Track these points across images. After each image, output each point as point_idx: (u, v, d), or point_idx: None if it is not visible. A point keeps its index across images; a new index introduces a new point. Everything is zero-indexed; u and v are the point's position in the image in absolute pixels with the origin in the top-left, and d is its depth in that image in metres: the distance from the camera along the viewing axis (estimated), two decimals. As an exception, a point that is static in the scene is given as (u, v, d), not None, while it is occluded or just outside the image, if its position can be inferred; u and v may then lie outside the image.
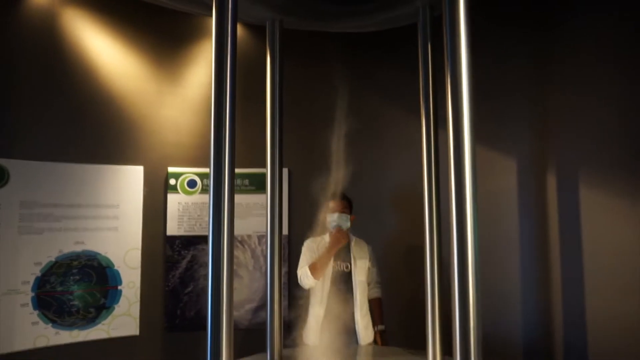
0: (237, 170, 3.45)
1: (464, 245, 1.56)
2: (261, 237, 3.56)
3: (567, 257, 2.52)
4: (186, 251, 3.47)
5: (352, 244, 2.86)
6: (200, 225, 3.50)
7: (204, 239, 3.47)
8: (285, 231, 3.53)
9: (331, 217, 2.77)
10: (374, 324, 2.81)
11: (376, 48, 3.57)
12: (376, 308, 2.85)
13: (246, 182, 3.62)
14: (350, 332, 2.73)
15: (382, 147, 3.61)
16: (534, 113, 2.78)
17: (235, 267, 3.55)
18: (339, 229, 2.76)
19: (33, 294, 3.04)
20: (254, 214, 3.58)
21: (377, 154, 3.62)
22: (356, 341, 2.74)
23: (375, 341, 2.81)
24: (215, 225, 1.74)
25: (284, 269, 3.49)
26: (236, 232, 3.54)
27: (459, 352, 1.54)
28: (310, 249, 2.84)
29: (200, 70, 3.61)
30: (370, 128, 3.56)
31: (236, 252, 3.57)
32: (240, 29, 3.61)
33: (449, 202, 1.60)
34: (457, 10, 1.60)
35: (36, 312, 3.04)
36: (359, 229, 2.98)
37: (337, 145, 2.88)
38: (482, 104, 2.99)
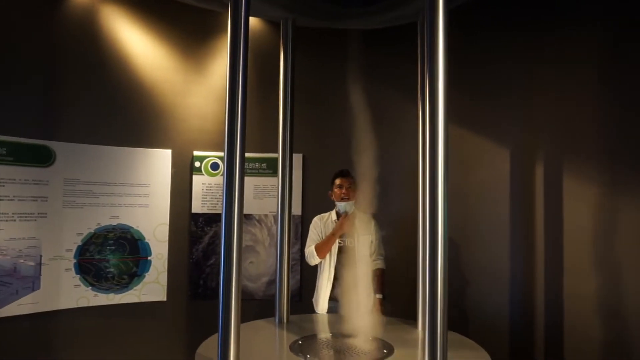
0: (255, 155, 3.82)
1: (435, 224, 1.80)
2: (277, 217, 3.85)
3: (550, 240, 2.73)
4: (209, 227, 3.82)
5: (357, 220, 3.11)
6: (221, 204, 3.83)
7: (225, 217, 3.80)
8: (298, 212, 3.84)
9: (339, 205, 3.04)
10: (375, 291, 3.06)
11: (384, 42, 3.76)
12: (378, 278, 3.09)
13: (264, 166, 3.92)
14: (353, 301, 3.00)
15: (389, 133, 3.82)
16: (523, 108, 2.97)
17: (252, 244, 3.89)
18: (345, 215, 3.02)
19: (75, 261, 3.46)
20: (270, 195, 3.89)
21: (384, 138, 3.81)
22: (360, 308, 3.00)
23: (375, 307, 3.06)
24: (228, 200, 2.04)
25: (297, 246, 3.79)
26: (253, 211, 3.88)
27: (427, 319, 1.79)
28: (317, 228, 3.13)
29: (224, 61, 3.89)
30: (379, 116, 3.76)
31: (254, 230, 3.89)
32: (260, 24, 3.88)
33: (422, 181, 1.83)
34: (436, 16, 1.82)
35: (78, 276, 3.46)
36: (365, 205, 3.20)
37: (348, 132, 3.14)
38: (477, 99, 3.21)
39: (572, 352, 2.62)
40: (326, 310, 3.06)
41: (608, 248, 2.43)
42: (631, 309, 2.33)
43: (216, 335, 2.02)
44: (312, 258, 3.06)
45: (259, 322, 2.80)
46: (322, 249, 3.03)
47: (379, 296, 3.02)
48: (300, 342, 2.37)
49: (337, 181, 3.09)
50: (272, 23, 3.86)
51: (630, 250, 2.34)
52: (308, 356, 2.16)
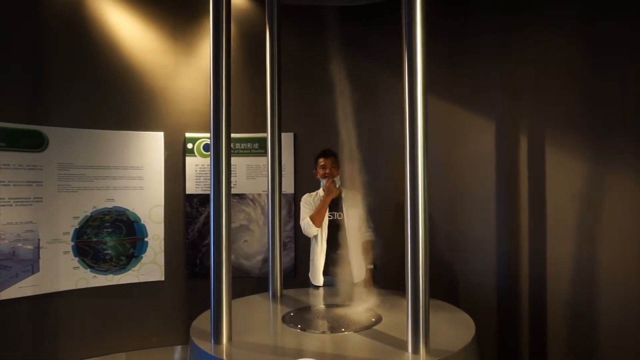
0: (247, 135, 3.86)
1: (415, 195, 1.86)
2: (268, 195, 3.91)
3: (533, 210, 2.80)
4: (203, 208, 3.89)
5: (344, 194, 3.19)
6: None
7: (219, 197, 3.86)
8: (291, 190, 3.90)
9: (322, 183, 3.12)
10: (366, 261, 3.14)
11: (370, 19, 3.77)
12: (368, 249, 3.18)
13: (256, 145, 3.96)
14: (346, 272, 3.09)
15: (376, 109, 3.85)
16: (505, 83, 3.01)
17: (246, 223, 3.95)
18: (330, 180, 3.10)
19: (73, 243, 3.53)
20: (263, 174, 3.94)
21: (372, 115, 3.85)
22: (351, 279, 3.09)
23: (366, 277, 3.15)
24: (216, 177, 2.08)
25: (290, 224, 3.86)
26: (247, 191, 3.94)
27: (410, 286, 1.86)
28: (308, 203, 3.21)
29: (213, 42, 3.91)
30: (366, 93, 3.80)
31: (247, 209, 3.96)
32: (245, 3, 3.87)
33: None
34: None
35: (77, 258, 3.53)
36: (353, 181, 3.26)
37: (336, 110, 3.18)
38: (460, 73, 3.24)
39: (554, 318, 2.73)
40: (323, 283, 3.14)
41: (590, 219, 2.50)
42: (606, 275, 2.42)
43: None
44: (310, 228, 3.13)
45: (253, 297, 2.88)
46: (316, 217, 3.11)
47: (370, 266, 3.10)
48: (292, 314, 2.45)
49: (321, 161, 3.18)
50: (257, 1, 3.86)
51: (610, 221, 2.41)
52: (299, 326, 2.24)
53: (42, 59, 3.41)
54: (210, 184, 2.12)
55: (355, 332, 2.15)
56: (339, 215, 3.15)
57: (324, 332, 2.18)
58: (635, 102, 2.23)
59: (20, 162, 3.29)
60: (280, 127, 2.94)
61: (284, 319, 2.37)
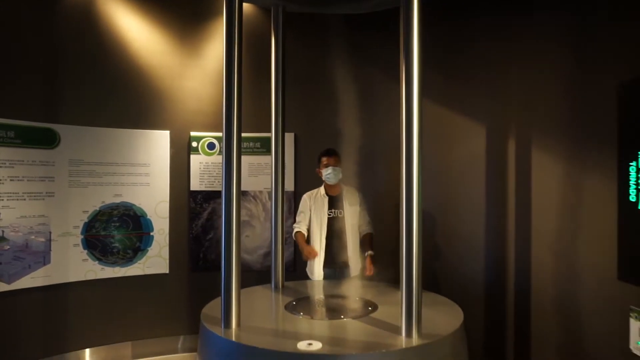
0: (250, 135, 4.04)
1: (410, 193, 2.04)
2: (271, 193, 4.09)
3: (520, 211, 3.00)
4: (207, 204, 4.05)
5: (344, 193, 3.36)
6: (218, 181, 4.06)
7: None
8: (291, 187, 4.07)
9: (326, 171, 3.26)
10: (365, 252, 3.31)
11: (369, 26, 3.94)
12: (367, 241, 3.34)
13: (258, 145, 4.13)
14: (344, 266, 3.27)
15: (375, 111, 4.03)
16: (496, 87, 3.20)
17: (248, 219, 4.13)
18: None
19: (82, 237, 3.68)
20: (265, 172, 4.11)
21: (370, 117, 4.03)
22: (349, 273, 3.27)
23: (365, 266, 3.31)
24: (228, 176, 2.26)
25: (290, 220, 4.03)
26: (249, 188, 4.11)
27: (404, 278, 2.05)
28: (304, 206, 3.39)
29: (218, 45, 4.07)
30: (364, 96, 3.97)
31: (249, 206, 4.13)
32: (252, 9, 4.04)
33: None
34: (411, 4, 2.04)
35: (85, 251, 3.69)
36: (352, 180, 3.44)
37: (336, 112, 3.37)
38: (455, 82, 3.43)
39: (537, 311, 2.93)
40: (322, 278, 3.32)
41: (571, 219, 2.70)
42: (587, 269, 2.61)
43: (219, 298, 2.27)
44: (294, 237, 3.41)
45: (257, 288, 3.05)
46: (299, 242, 3.37)
47: (370, 253, 3.26)
48: (294, 303, 2.63)
49: (324, 160, 3.33)
50: (262, 8, 4.02)
51: (589, 221, 2.60)
52: (302, 313, 2.42)
53: (54, 60, 3.55)
54: (222, 180, 2.30)
55: (353, 318, 2.33)
56: (339, 213, 3.32)
57: (324, 319, 2.36)
58: (617, 108, 2.41)
59: (34, 158, 3.45)
60: (284, 127, 3.10)
61: (286, 307, 2.54)
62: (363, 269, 3.24)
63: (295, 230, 3.39)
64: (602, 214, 2.48)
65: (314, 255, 3.27)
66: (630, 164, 2.31)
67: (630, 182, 2.31)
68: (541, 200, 2.88)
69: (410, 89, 2.06)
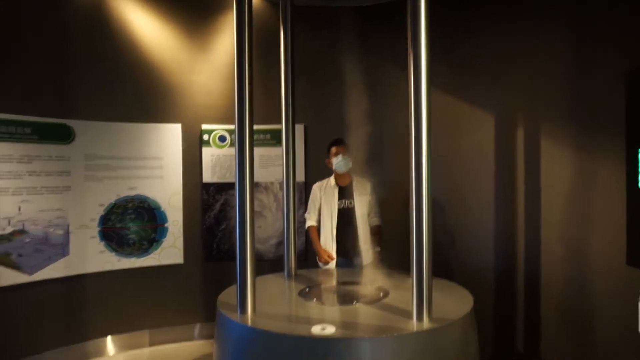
0: (260, 127, 4.10)
1: (419, 184, 2.09)
2: (282, 184, 4.15)
3: (529, 199, 3.03)
4: (219, 195, 4.13)
5: (354, 183, 3.41)
6: (230, 173, 4.13)
7: (233, 185, 4.10)
8: (302, 178, 4.13)
9: (336, 160, 3.31)
10: (373, 246, 3.38)
11: (377, 18, 3.96)
12: (375, 233, 3.41)
13: (268, 137, 4.19)
14: (355, 255, 3.33)
15: (383, 102, 4.06)
16: (502, 79, 3.23)
17: (260, 209, 4.19)
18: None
19: (99, 229, 3.78)
20: (275, 164, 4.17)
21: (379, 107, 4.06)
22: (360, 262, 3.33)
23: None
24: (241, 167, 2.32)
25: (301, 210, 4.10)
26: (260, 179, 4.18)
27: (415, 264, 2.10)
28: (314, 197, 3.46)
29: (227, 39, 4.12)
30: (372, 87, 4.00)
31: (261, 197, 4.20)
32: (262, 3, 4.07)
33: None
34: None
35: (103, 243, 3.79)
36: (362, 169, 3.48)
37: (346, 103, 3.40)
38: (462, 68, 3.44)
39: (547, 298, 2.97)
40: (333, 267, 3.38)
41: (580, 205, 2.73)
42: (596, 255, 2.65)
43: (234, 286, 2.35)
44: (308, 231, 3.50)
45: (270, 276, 3.13)
46: (311, 236, 3.46)
47: (377, 249, 3.32)
48: (307, 290, 2.70)
49: (333, 149, 3.37)
50: (270, 1, 4.06)
51: (598, 207, 2.63)
52: (315, 299, 2.49)
53: (68, 58, 3.62)
54: (236, 172, 2.36)
55: (364, 304, 2.39)
56: (350, 203, 3.37)
57: (336, 305, 2.42)
58: (625, 94, 2.43)
59: (50, 153, 3.54)
60: (295, 119, 3.15)
61: (300, 294, 2.61)
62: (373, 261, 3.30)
63: (308, 224, 3.45)
64: (610, 200, 2.51)
65: (330, 259, 3.32)
66: (639, 150, 2.33)
67: (639, 168, 2.33)
68: (550, 187, 2.91)
69: (418, 79, 2.09)
